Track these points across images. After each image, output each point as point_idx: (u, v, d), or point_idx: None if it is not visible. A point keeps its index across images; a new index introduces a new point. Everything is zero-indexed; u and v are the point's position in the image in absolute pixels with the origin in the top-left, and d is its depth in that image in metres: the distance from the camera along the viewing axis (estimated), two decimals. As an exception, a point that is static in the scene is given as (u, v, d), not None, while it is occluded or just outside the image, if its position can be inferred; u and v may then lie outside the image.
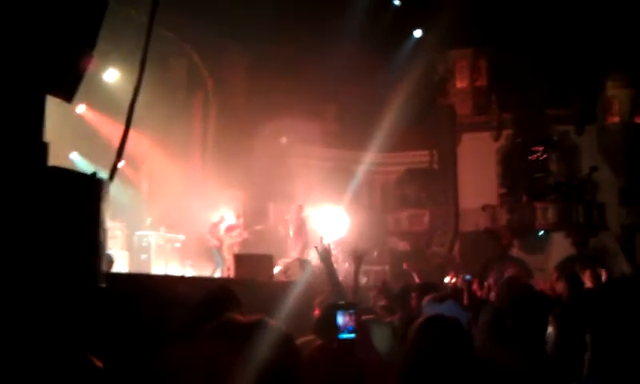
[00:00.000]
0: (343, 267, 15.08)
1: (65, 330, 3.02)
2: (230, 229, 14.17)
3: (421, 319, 2.37)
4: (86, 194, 4.45)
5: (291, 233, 14.40)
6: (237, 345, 1.68)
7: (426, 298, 4.75)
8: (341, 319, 3.15)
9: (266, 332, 1.74)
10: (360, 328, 3.24)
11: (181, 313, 3.48)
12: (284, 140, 20.59)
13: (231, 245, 13.87)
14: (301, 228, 14.15)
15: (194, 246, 14.72)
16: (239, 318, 1.83)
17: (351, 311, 3.20)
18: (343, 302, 3.39)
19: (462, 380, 2.11)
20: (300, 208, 14.69)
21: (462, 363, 2.12)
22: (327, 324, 3.23)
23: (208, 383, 1.65)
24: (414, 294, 5.35)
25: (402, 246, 21.82)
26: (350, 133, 21.72)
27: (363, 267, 16.11)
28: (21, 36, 4.54)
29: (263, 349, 1.69)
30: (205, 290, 3.63)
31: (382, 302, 7.36)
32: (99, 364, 1.90)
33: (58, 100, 5.82)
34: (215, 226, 14.28)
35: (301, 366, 1.87)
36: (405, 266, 9.76)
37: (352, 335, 3.13)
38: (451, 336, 2.19)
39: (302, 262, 11.57)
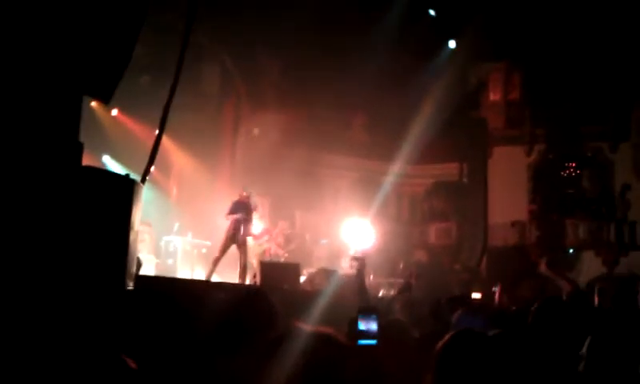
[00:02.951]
0: (368, 280, 14.99)
1: (94, 328, 3.02)
2: (259, 236, 14.14)
3: (449, 334, 2.32)
4: (119, 194, 4.48)
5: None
6: (301, 354, 1.65)
7: (458, 311, 4.68)
8: (362, 324, 3.09)
9: (331, 344, 1.70)
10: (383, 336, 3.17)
11: (209, 316, 3.46)
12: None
13: (260, 252, 13.83)
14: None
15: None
16: (305, 326, 1.79)
17: (373, 316, 3.13)
18: (366, 307, 3.31)
19: None
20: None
21: (488, 378, 2.08)
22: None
23: None
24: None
25: (429, 259, 21.62)
26: (379, 143, 21.63)
27: (389, 279, 16.04)
28: (59, 38, 4.59)
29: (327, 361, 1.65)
30: (235, 295, 3.60)
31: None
32: (133, 365, 1.88)
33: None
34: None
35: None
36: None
37: (373, 341, 3.06)
38: (478, 351, 2.14)
39: (329, 272, 11.52)
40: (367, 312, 3.11)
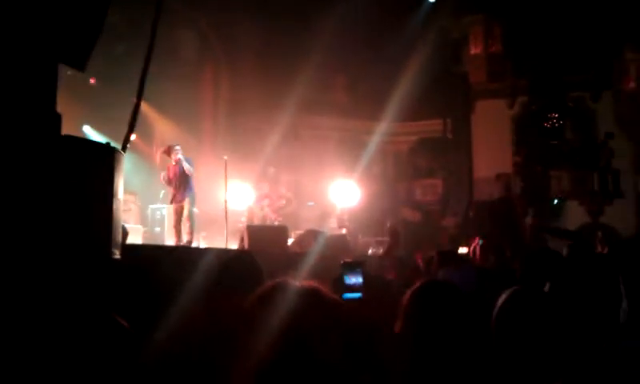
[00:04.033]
0: (357, 239, 15.05)
1: (82, 295, 3.00)
2: (260, 199, 14.08)
3: (415, 286, 2.34)
4: (101, 162, 4.42)
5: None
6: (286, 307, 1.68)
7: (444, 268, 4.74)
8: (348, 278, 3.10)
9: (315, 297, 1.73)
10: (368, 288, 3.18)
11: (196, 279, 3.45)
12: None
13: (262, 216, 13.78)
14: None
15: (207, 219, 14.70)
16: (293, 281, 1.82)
17: (358, 270, 3.14)
18: (350, 261, 3.31)
19: (457, 348, 2.08)
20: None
21: (456, 330, 2.10)
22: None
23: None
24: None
25: (415, 216, 21.75)
26: (361, 102, 21.56)
27: (376, 238, 16.14)
28: (32, 6, 4.47)
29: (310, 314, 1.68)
30: (221, 258, 3.59)
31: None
32: (125, 324, 1.90)
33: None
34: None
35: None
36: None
37: (357, 295, 3.08)
38: (445, 300, 2.18)
39: (316, 233, 11.54)
40: (352, 266, 3.12)
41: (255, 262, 3.03)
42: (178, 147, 11.81)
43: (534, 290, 2.33)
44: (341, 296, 3.00)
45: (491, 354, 2.15)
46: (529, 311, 2.17)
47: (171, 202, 11.93)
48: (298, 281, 1.90)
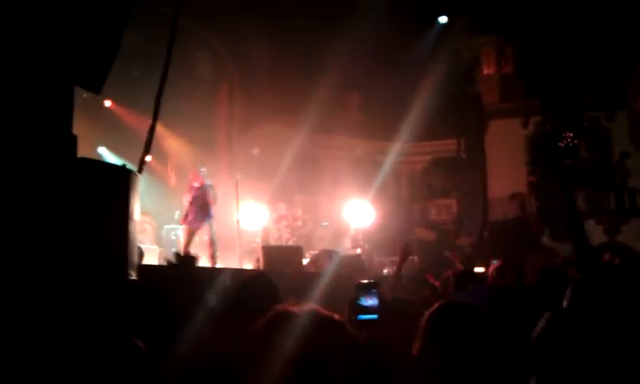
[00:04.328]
0: (372, 259, 15.01)
1: (99, 317, 3.01)
2: (278, 220, 14.09)
3: (433, 307, 2.33)
4: (117, 185, 4.45)
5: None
6: (291, 334, 1.68)
7: (463, 290, 4.73)
8: (364, 300, 3.05)
9: (318, 321, 1.73)
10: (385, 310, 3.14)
11: (213, 301, 3.45)
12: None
13: (278, 237, 13.80)
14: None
15: (222, 239, 14.73)
16: (293, 308, 1.82)
17: (373, 291, 3.09)
18: (365, 282, 3.25)
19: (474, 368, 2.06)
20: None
21: (476, 351, 2.08)
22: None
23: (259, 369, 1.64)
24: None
25: (430, 236, 21.64)
26: (375, 122, 21.57)
27: (391, 258, 16.06)
28: (48, 30, 4.54)
29: (316, 337, 1.67)
30: (238, 279, 3.59)
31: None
32: (142, 345, 1.91)
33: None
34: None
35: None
36: (450, 254, 9.58)
37: (374, 316, 3.02)
38: (463, 324, 2.16)
39: (331, 253, 11.53)
40: (367, 287, 3.07)
41: (272, 282, 3.02)
42: (204, 170, 11.81)
43: (578, 314, 2.28)
44: (356, 317, 2.96)
45: (524, 375, 2.10)
46: (579, 336, 2.10)
47: (183, 222, 11.89)
48: (313, 303, 1.90)
